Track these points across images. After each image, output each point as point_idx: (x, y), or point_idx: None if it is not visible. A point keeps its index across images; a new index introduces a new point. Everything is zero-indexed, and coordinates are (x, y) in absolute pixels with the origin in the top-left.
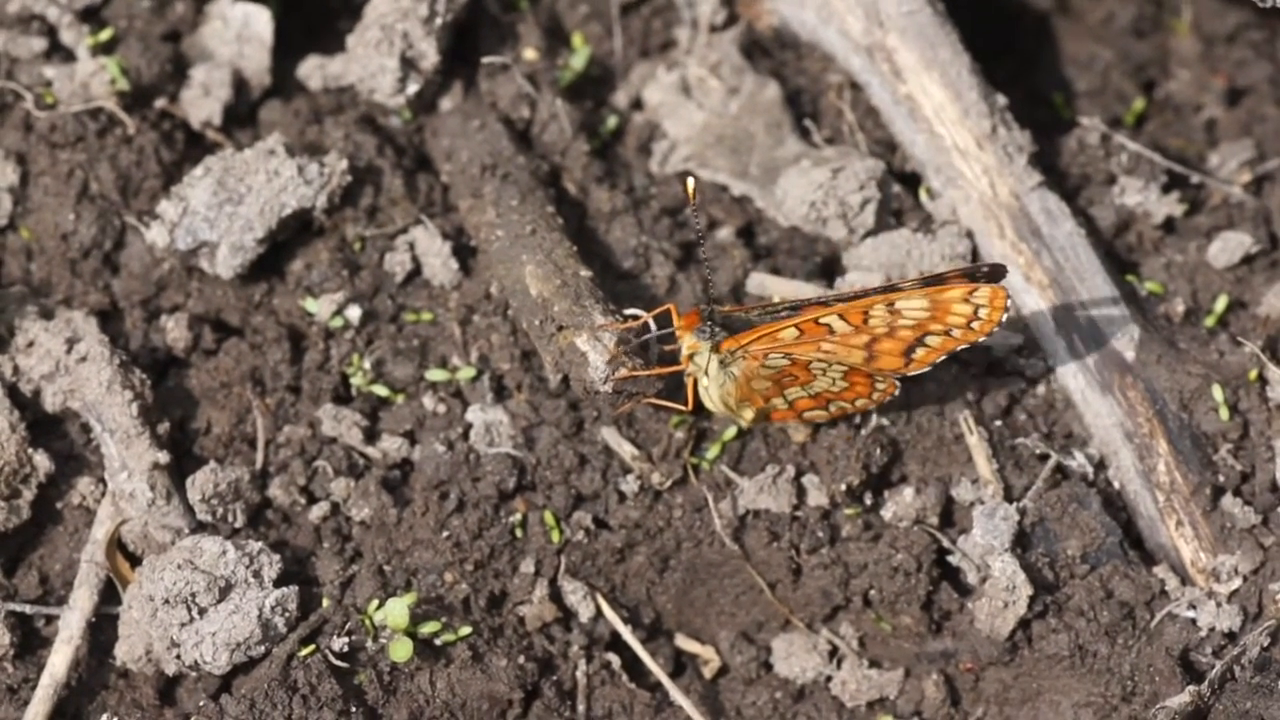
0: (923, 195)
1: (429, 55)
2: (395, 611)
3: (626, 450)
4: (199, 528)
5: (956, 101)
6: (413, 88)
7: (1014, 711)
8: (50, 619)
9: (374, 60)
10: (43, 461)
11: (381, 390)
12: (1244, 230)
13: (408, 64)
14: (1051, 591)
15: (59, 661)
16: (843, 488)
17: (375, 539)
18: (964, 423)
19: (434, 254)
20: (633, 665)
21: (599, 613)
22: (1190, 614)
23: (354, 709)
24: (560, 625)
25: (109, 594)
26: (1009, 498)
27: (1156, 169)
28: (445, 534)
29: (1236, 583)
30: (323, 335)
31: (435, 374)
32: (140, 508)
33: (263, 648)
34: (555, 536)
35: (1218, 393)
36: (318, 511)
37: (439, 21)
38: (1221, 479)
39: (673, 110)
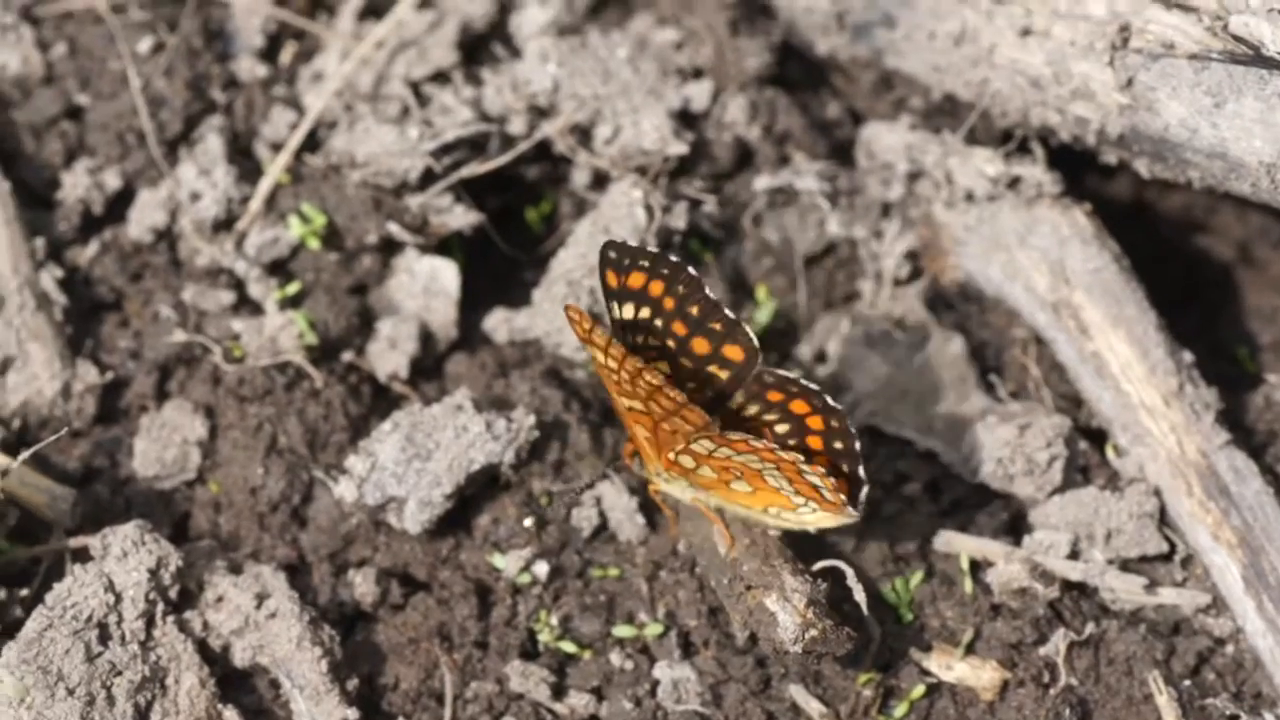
0: (1109, 452)
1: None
2: None
3: (814, 708)
4: None
5: (1143, 359)
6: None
7: None
8: None
9: (560, 315)
10: (232, 717)
11: (569, 646)
12: None
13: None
14: None
15: None
16: None
17: None
18: (1153, 682)
19: (621, 509)
20: None
21: None
22: None
23: None
24: None
25: None
26: None
27: None
28: None
29: None
30: (510, 591)
31: (622, 630)
32: None
33: None
34: None
35: None
36: None
37: None
38: None
39: (857, 363)
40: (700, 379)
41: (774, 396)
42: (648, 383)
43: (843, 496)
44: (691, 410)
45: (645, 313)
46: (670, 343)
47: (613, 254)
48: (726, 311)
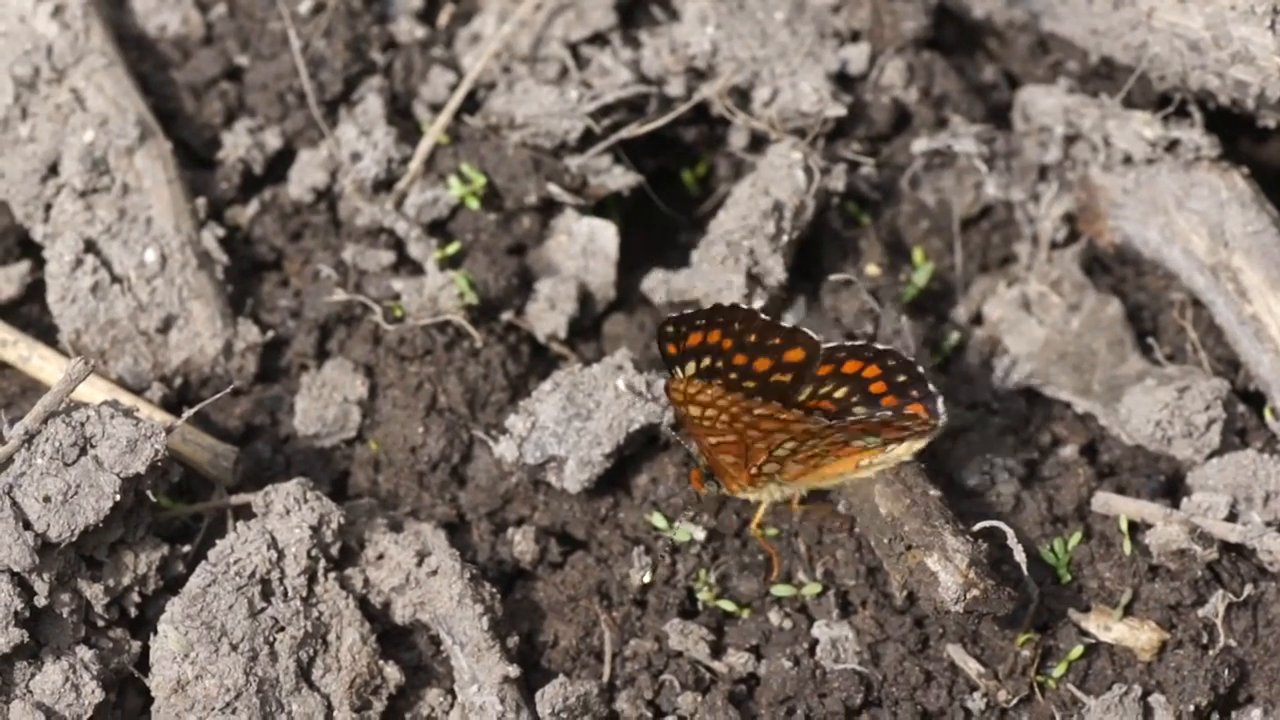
0: (1268, 416)
1: (775, 272)
2: None
3: (972, 667)
4: None
5: None
6: (758, 303)
7: None
8: None
9: (720, 276)
10: (393, 673)
11: (728, 605)
12: None
13: (754, 280)
14: None
15: None
16: (1190, 708)
17: None
18: None
19: None
20: None
21: None
22: None
23: None
24: None
25: None
26: None
27: None
28: None
29: None
30: (669, 549)
31: (781, 589)
32: None
33: None
34: None
35: None
36: None
37: (785, 239)
38: None
39: (1013, 326)
40: (765, 391)
41: (824, 370)
42: (756, 414)
43: (930, 420)
44: (798, 421)
45: (707, 361)
46: (733, 375)
47: (670, 329)
48: (781, 324)
